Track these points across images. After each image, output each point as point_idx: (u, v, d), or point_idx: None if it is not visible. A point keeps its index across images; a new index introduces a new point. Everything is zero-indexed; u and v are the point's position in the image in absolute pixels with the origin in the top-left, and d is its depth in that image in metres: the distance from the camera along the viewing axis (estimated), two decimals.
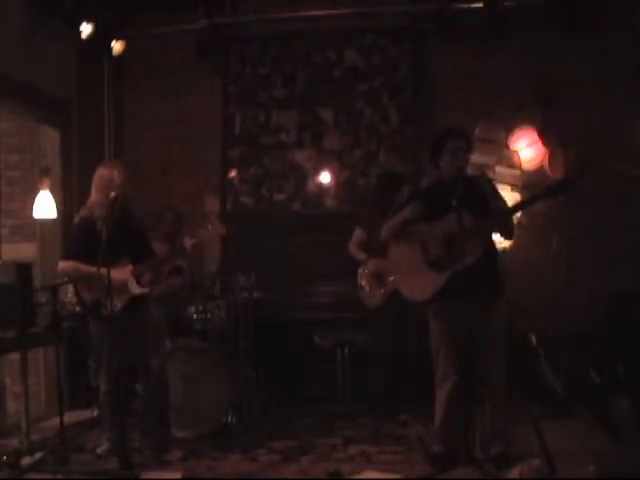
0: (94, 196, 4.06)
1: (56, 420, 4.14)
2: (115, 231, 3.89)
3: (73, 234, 4.22)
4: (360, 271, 4.96)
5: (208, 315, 4.82)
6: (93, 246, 3.81)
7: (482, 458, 3.70)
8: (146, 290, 4.10)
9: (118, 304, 3.95)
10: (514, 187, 5.55)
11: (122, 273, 3.99)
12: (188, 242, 4.13)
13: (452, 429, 3.78)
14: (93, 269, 3.82)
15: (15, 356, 4.57)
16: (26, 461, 3.95)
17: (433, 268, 3.73)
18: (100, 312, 3.90)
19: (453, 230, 3.61)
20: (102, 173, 4.06)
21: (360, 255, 4.99)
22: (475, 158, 5.25)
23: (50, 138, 5.51)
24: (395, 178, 5.06)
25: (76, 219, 4.18)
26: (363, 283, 4.93)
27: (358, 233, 5.04)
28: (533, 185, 5.43)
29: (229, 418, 4.45)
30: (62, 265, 4.09)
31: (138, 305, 4.08)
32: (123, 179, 4.01)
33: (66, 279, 4.29)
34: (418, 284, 3.80)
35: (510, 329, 4.85)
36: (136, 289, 4.05)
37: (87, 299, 4.04)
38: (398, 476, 3.65)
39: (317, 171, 6.02)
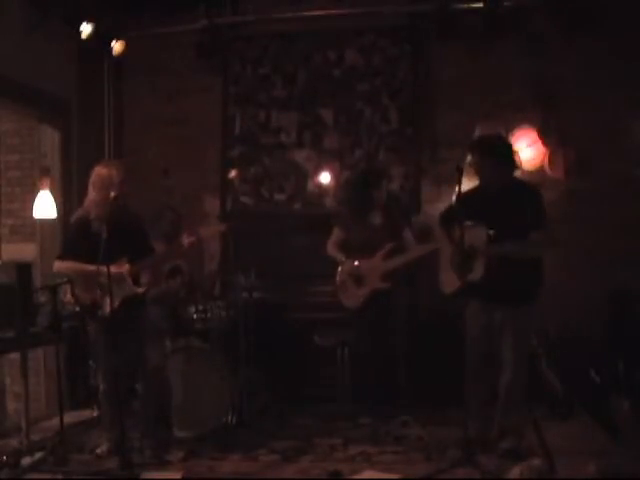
0: (91, 196, 4.05)
1: (56, 420, 4.14)
2: (112, 231, 3.88)
3: (69, 234, 4.21)
4: (339, 271, 4.89)
5: (208, 315, 4.83)
6: (88, 246, 3.81)
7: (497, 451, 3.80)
8: (142, 290, 4.09)
9: (114, 303, 3.94)
10: None
11: (118, 268, 3.94)
12: (186, 240, 4.11)
13: (472, 423, 3.80)
14: (88, 268, 3.83)
15: (15, 356, 4.57)
16: (26, 461, 3.95)
17: (454, 271, 3.97)
18: (96, 312, 3.90)
19: (471, 244, 3.77)
20: (100, 173, 4.04)
21: (339, 255, 4.92)
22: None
23: (50, 138, 5.50)
24: (372, 176, 4.95)
25: (72, 219, 4.18)
26: (342, 284, 4.87)
27: (336, 233, 5.00)
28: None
29: (229, 418, 4.45)
30: (57, 265, 4.08)
31: (134, 305, 4.05)
32: (121, 178, 4.01)
33: (66, 279, 4.29)
34: (446, 278, 4.08)
35: None
36: (132, 289, 4.03)
37: (83, 299, 4.03)
38: (398, 476, 3.66)
39: (317, 171, 6.01)
